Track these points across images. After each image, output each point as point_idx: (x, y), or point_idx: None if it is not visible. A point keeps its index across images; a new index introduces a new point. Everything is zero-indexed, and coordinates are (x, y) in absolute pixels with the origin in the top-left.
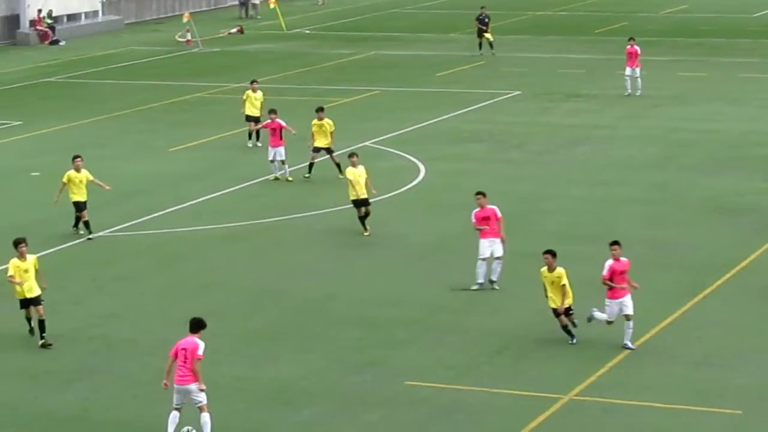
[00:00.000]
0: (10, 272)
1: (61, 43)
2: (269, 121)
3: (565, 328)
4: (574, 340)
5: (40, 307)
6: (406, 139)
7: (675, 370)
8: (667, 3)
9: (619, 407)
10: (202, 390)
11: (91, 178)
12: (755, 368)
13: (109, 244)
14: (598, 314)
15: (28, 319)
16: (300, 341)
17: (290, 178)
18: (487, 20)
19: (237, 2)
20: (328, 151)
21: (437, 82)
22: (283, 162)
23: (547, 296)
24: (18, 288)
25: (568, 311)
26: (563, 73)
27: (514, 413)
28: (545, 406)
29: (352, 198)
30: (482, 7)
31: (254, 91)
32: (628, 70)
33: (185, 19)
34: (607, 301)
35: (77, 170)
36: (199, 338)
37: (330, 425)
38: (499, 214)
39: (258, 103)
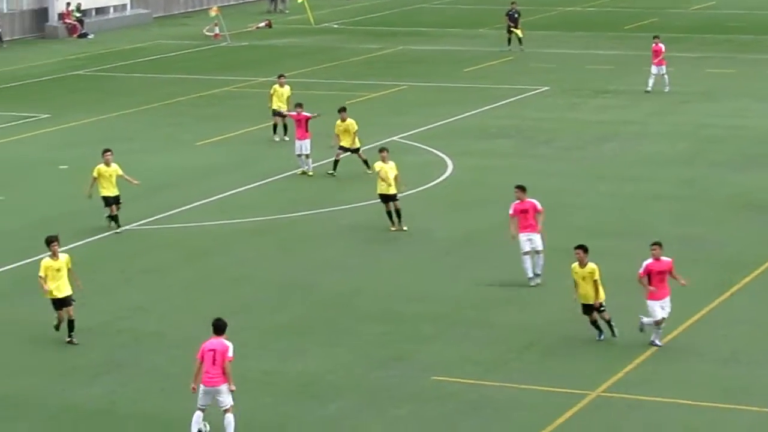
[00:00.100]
0: (41, 272)
1: (89, 37)
2: (295, 113)
3: (594, 323)
4: (602, 336)
5: (71, 307)
6: (434, 135)
7: (702, 367)
8: None
9: (646, 404)
10: (232, 390)
11: (120, 172)
12: None
13: (137, 237)
14: (646, 320)
15: (59, 321)
16: (327, 335)
17: (311, 173)
18: (516, 16)
19: None
20: (355, 150)
21: (465, 78)
22: (307, 156)
23: (577, 292)
24: (48, 287)
25: (600, 307)
26: (591, 69)
27: (541, 409)
28: (572, 403)
29: (380, 192)
30: (512, 3)
31: (282, 85)
32: (654, 69)
33: (213, 13)
34: (649, 303)
35: (107, 164)
36: (226, 339)
37: (357, 419)
38: (539, 207)
39: (285, 98)
